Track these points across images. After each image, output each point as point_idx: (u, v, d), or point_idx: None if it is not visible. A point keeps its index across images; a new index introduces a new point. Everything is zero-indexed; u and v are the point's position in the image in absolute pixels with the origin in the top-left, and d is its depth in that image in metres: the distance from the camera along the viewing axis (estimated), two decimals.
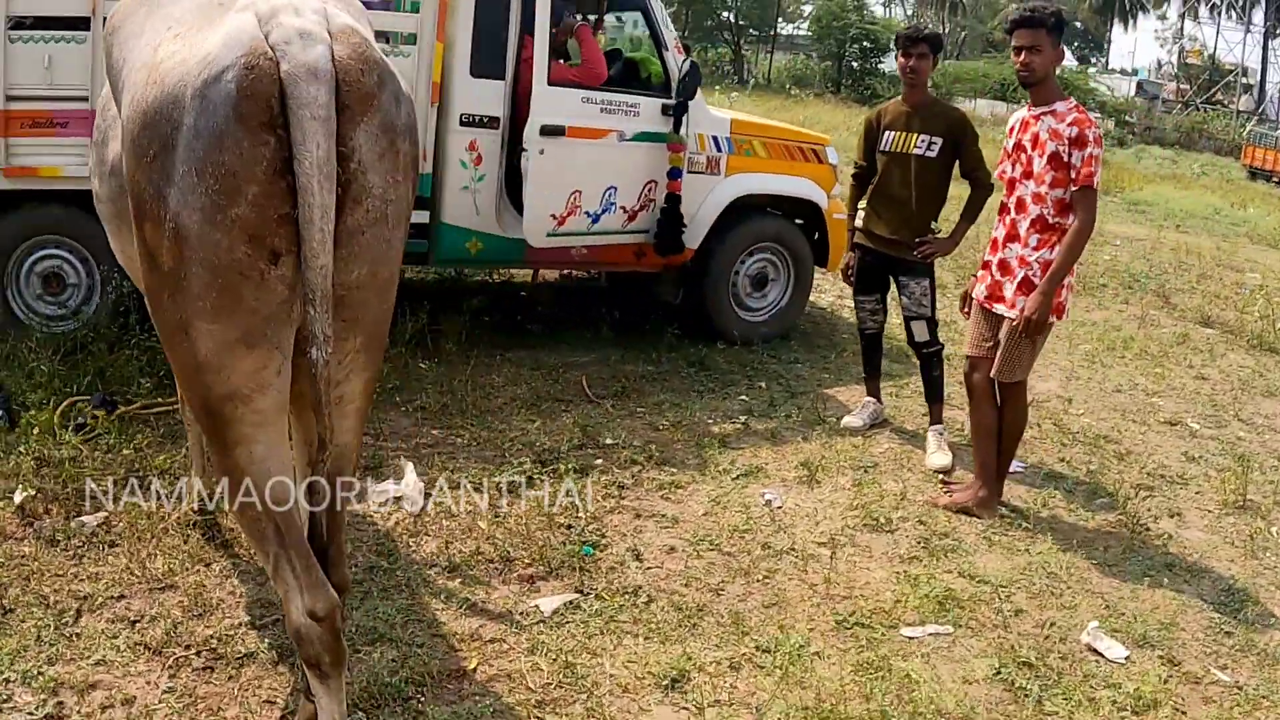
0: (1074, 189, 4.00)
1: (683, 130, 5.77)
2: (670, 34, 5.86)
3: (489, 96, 5.44)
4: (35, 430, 4.12)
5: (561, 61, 5.69)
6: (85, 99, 4.78)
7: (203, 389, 2.18)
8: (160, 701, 2.89)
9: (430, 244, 5.62)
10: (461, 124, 5.45)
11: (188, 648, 3.13)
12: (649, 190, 5.80)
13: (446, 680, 3.13)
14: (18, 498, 3.72)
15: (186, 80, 1.99)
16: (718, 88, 30.69)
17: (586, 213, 5.60)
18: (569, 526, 4.07)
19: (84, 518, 3.72)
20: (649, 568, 3.86)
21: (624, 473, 4.57)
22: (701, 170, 6.04)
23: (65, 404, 4.37)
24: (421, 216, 5.51)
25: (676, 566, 3.87)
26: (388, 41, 5.19)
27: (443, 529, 3.98)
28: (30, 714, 2.79)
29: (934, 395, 5.03)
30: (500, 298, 7.02)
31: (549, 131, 5.34)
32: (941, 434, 4.99)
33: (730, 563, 3.92)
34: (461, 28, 5.35)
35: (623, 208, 5.75)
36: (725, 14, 42.06)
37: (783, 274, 6.52)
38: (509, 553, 3.83)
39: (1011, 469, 4.73)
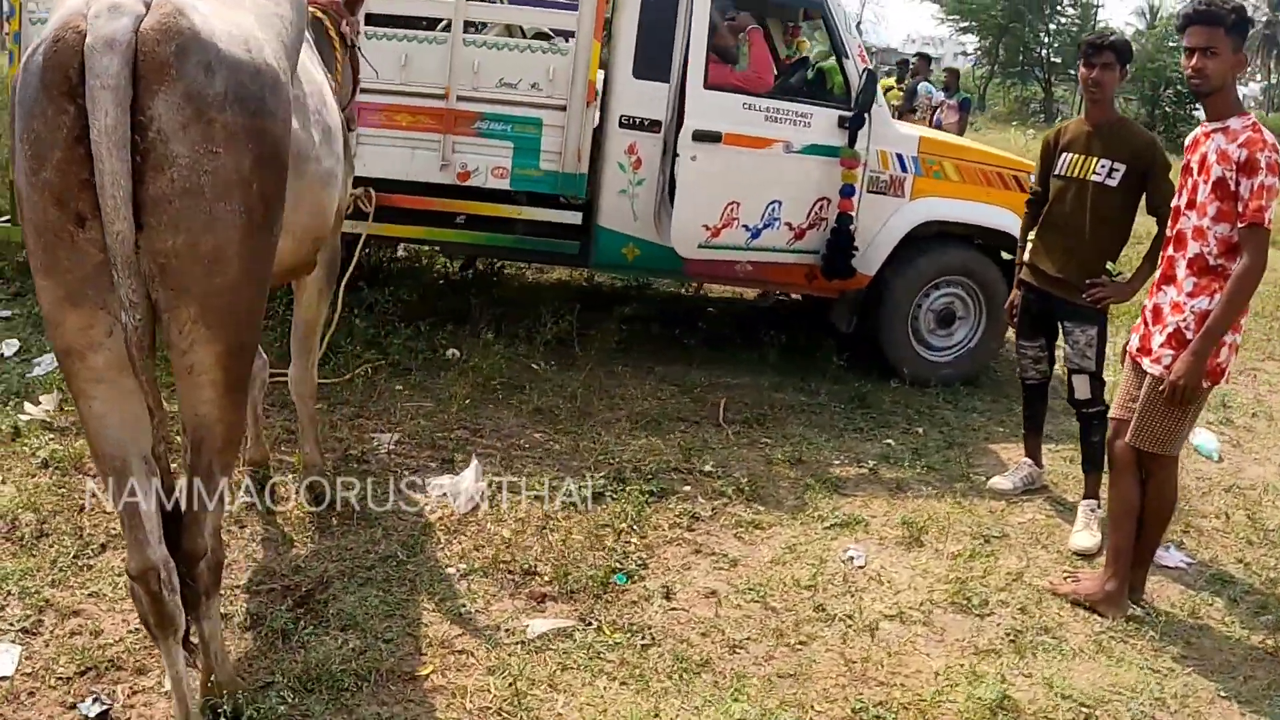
0: (1240, 225, 3.17)
1: (860, 145, 5.28)
2: (852, 40, 5.39)
3: (651, 99, 5.25)
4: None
5: (730, 66, 5.39)
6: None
7: (51, 340, 2.29)
8: (120, 640, 3.00)
9: (586, 247, 5.53)
10: (621, 126, 5.31)
11: None
12: (819, 207, 5.35)
13: (391, 681, 2.99)
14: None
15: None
16: (1014, 123, 28.60)
17: (745, 226, 5.26)
18: (614, 550, 3.79)
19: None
20: (673, 609, 3.49)
21: (706, 503, 4.21)
22: (882, 190, 5.49)
23: None
24: (575, 218, 5.44)
25: (705, 613, 3.47)
26: (547, 39, 5.19)
27: (481, 532, 3.83)
28: (9, 625, 3.01)
29: (1091, 464, 4.20)
30: (665, 308, 6.78)
31: (703, 137, 5.07)
32: (1094, 511, 4.16)
33: (769, 620, 3.46)
34: (626, 26, 5.22)
35: (788, 224, 5.35)
36: (1039, 50, 39.28)
37: (972, 312, 5.79)
38: (534, 566, 3.62)
39: (1172, 563, 3.86)
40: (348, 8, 3.92)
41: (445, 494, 4.03)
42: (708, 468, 4.52)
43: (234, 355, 2.33)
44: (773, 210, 5.28)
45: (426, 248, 6.45)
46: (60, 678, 2.86)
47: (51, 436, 4.13)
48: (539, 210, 5.44)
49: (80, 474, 3.87)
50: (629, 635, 3.30)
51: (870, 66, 5.33)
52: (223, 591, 3.22)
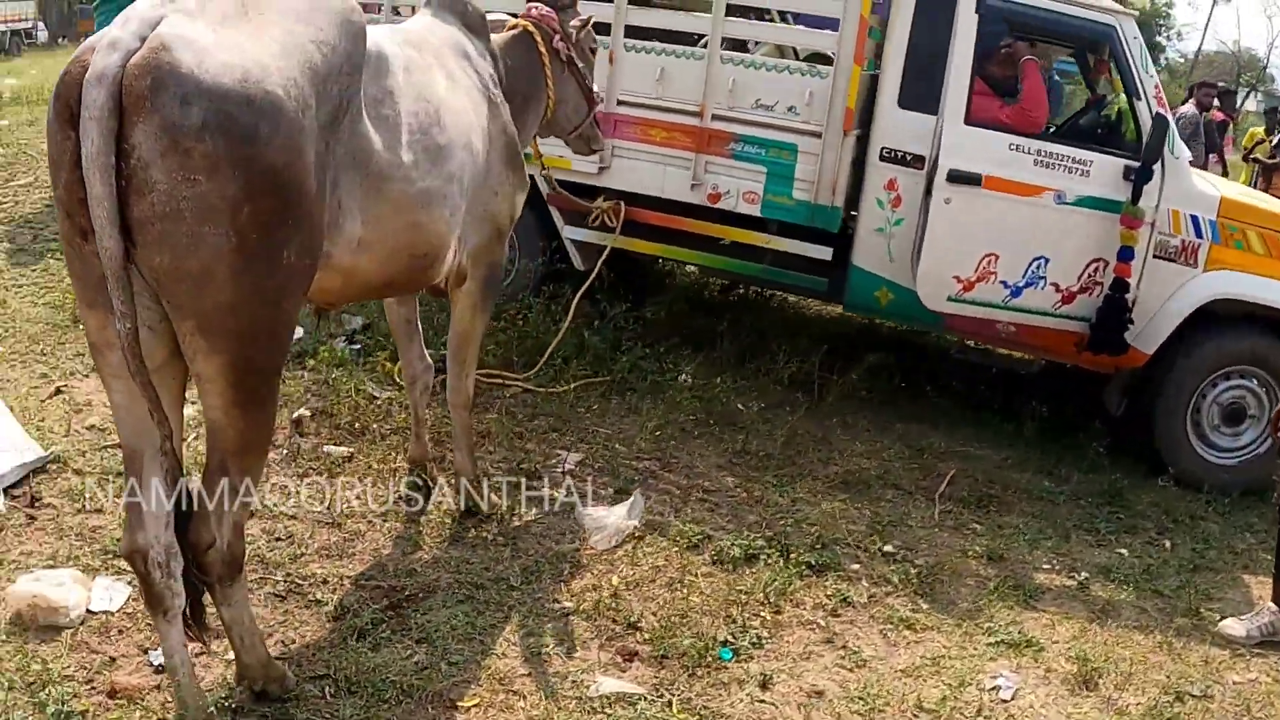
0: None
1: (1147, 202, 4.42)
2: (1149, 80, 4.49)
3: (916, 132, 4.75)
4: (379, 368, 4.77)
5: (1002, 101, 4.70)
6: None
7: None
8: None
9: (837, 285, 5.13)
10: (882, 159, 4.86)
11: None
12: (1093, 270, 4.57)
13: (431, 703, 2.96)
14: (298, 412, 4.35)
15: None
16: None
17: (1003, 282, 4.61)
18: (736, 621, 3.46)
19: (334, 447, 4.22)
20: (761, 701, 3.13)
21: (866, 588, 3.73)
22: (1170, 257, 4.60)
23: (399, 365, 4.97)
24: (825, 253, 5.06)
25: (793, 715, 3.07)
26: (802, 58, 4.84)
27: (609, 571, 3.67)
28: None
29: None
30: (920, 360, 6.06)
31: (960, 179, 4.51)
32: None
33: None
34: (894, 51, 4.75)
35: (1055, 285, 4.61)
36: None
37: (1267, 411, 4.68)
38: (641, 619, 3.41)
39: None
40: (564, 23, 3.88)
41: (589, 525, 3.91)
42: (889, 547, 4.01)
43: (240, 369, 2.40)
44: (1037, 267, 4.58)
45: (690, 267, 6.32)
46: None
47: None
48: (788, 241, 5.13)
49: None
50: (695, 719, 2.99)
51: (1164, 110, 4.42)
52: (310, 579, 3.41)
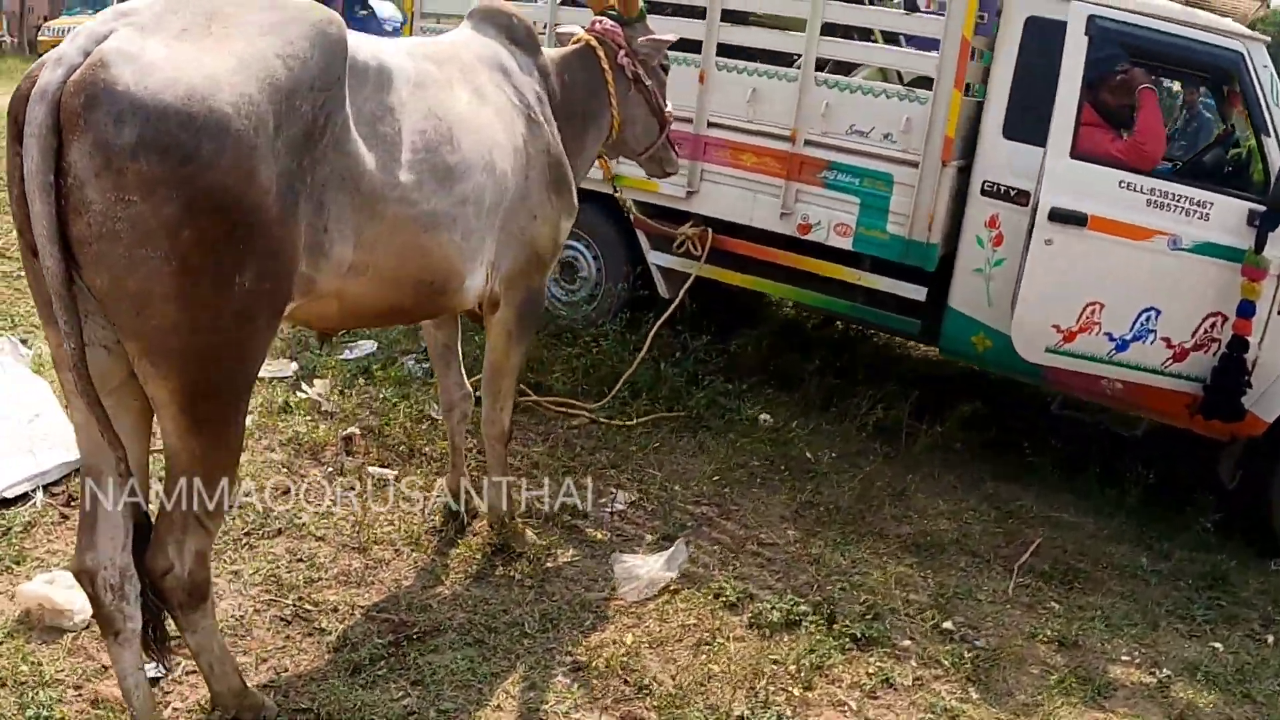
0: None
1: (1271, 251, 3.88)
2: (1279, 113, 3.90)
3: (1021, 165, 4.30)
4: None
5: (1116, 133, 4.18)
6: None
7: None
8: (230, 617, 3.16)
9: (931, 327, 4.73)
10: (983, 193, 4.44)
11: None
12: (1210, 325, 4.05)
13: None
14: (350, 430, 4.29)
15: None
16: None
17: (1108, 334, 4.13)
18: (758, 695, 3.16)
19: (378, 469, 4.13)
20: None
21: (914, 669, 3.37)
22: None
23: (473, 381, 4.85)
24: (919, 293, 4.67)
25: None
26: (907, 82, 4.46)
27: (634, 626, 3.43)
28: None
29: None
30: (1021, 413, 5.49)
31: (1063, 218, 4.07)
32: None
33: None
34: (1000, 74, 4.33)
35: (1165, 340, 4.10)
36: None
37: None
38: (653, 683, 3.16)
39: None
40: (630, 39, 3.69)
41: (620, 574, 3.68)
42: (949, 624, 3.62)
43: (190, 395, 2.31)
44: (1146, 320, 4.08)
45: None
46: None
47: (310, 417, 4.50)
48: (880, 279, 4.77)
49: (309, 457, 4.18)
50: None
51: None
52: (320, 605, 3.31)
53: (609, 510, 4.15)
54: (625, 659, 3.25)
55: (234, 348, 2.34)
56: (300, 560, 3.57)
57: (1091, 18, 4.05)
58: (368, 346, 5.27)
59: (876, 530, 4.19)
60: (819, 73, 4.65)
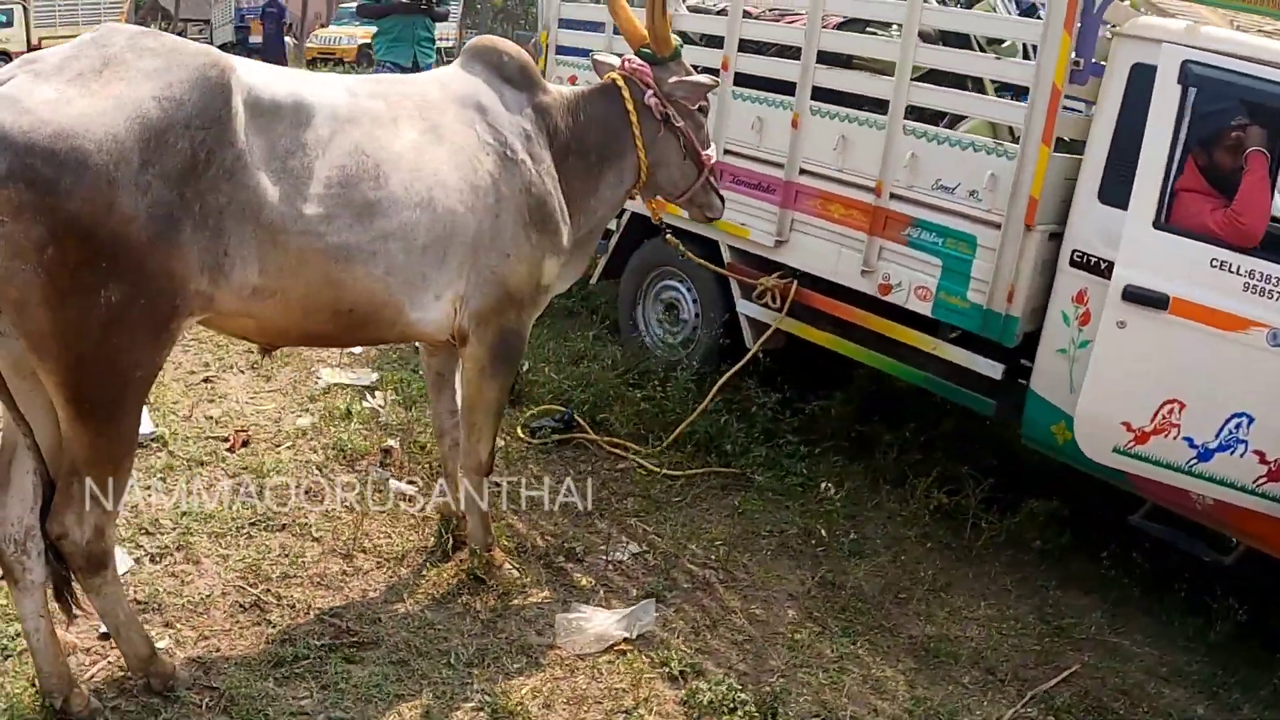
0: None
1: None
2: None
3: (1119, 234, 3.68)
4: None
5: (1214, 202, 3.46)
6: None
7: None
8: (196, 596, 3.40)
9: (1007, 409, 4.22)
10: (1072, 264, 3.89)
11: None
12: None
13: None
14: (389, 443, 4.44)
15: None
16: None
17: (1188, 439, 3.47)
18: None
19: (400, 484, 4.23)
20: None
21: None
22: None
23: (539, 410, 4.84)
24: (995, 370, 4.16)
25: None
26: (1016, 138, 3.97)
27: (561, 679, 3.30)
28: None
29: None
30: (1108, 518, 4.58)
31: (1139, 298, 3.48)
32: None
33: None
34: (1100, 132, 3.78)
35: (1259, 454, 3.40)
36: None
37: None
38: None
39: None
40: (660, 79, 3.58)
41: (562, 625, 3.52)
42: None
43: (72, 391, 2.54)
44: (1236, 427, 3.40)
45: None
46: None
47: (365, 426, 4.67)
48: (956, 350, 4.30)
49: (345, 463, 4.35)
50: None
51: None
52: (281, 600, 3.49)
53: (606, 558, 4.01)
54: (534, 710, 3.13)
55: (109, 353, 2.54)
56: (286, 556, 3.73)
57: (1187, 63, 3.45)
58: None
59: (889, 625, 3.77)
60: (908, 121, 4.29)
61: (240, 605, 3.48)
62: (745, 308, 5.03)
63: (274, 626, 3.38)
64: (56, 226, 2.34)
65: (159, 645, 3.21)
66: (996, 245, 4.00)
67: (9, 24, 25.21)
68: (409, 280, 3.09)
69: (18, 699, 2.87)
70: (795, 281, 4.78)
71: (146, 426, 4.30)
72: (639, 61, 3.61)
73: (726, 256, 5.10)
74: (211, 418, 4.57)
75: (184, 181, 2.52)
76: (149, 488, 4.03)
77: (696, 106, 3.72)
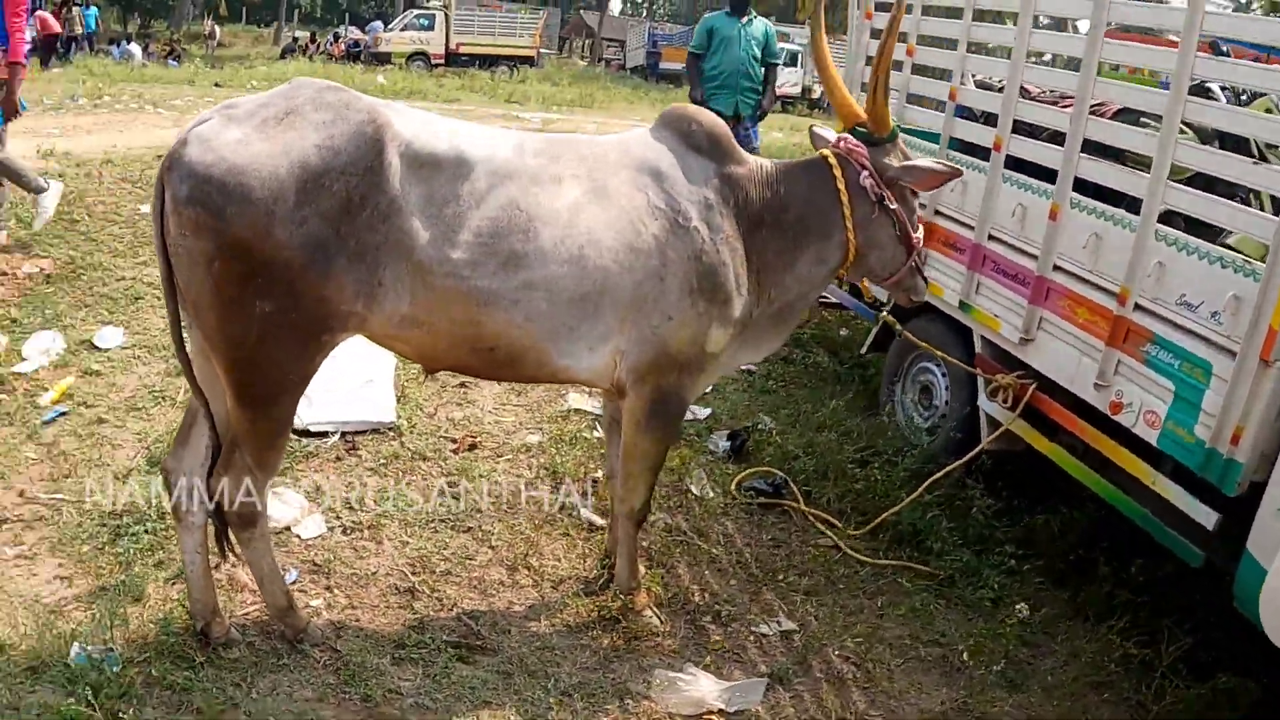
0: None
1: None
2: None
3: None
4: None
5: None
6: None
7: None
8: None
9: (1216, 565, 3.60)
10: None
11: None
12: None
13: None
14: (601, 473, 4.63)
15: None
16: None
17: None
18: None
19: (588, 512, 4.47)
20: None
21: None
22: None
23: (746, 473, 4.86)
24: (1209, 518, 3.54)
25: None
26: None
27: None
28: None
29: None
30: None
31: None
32: None
33: None
34: None
35: None
36: None
37: None
38: None
39: None
40: (877, 158, 3.55)
41: (661, 681, 3.54)
42: None
43: (234, 378, 3.06)
44: None
45: None
46: (306, 560, 3.99)
47: (581, 454, 4.94)
48: (1173, 488, 3.71)
49: (551, 481, 4.65)
50: None
51: None
52: (429, 591, 3.92)
53: (752, 628, 3.96)
54: None
55: (263, 356, 3.02)
56: (456, 556, 4.13)
57: None
58: (702, 412, 5.57)
59: None
60: (1160, 225, 3.77)
61: (396, 588, 3.92)
62: (986, 404, 4.68)
63: (415, 614, 3.79)
64: (222, 245, 2.84)
65: (314, 604, 3.75)
66: (1230, 377, 3.43)
67: (430, 28, 28.68)
68: (553, 329, 3.28)
69: (174, 616, 3.49)
70: (1035, 384, 4.39)
71: (389, 416, 4.95)
72: (855, 141, 3.57)
73: (978, 347, 4.79)
74: (452, 419, 5.12)
75: (339, 219, 2.91)
76: (373, 470, 4.64)
77: (911, 189, 3.62)
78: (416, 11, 30.66)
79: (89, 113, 12.66)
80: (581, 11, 30.37)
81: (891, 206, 3.53)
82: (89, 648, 3.29)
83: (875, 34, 5.68)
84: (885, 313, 4.16)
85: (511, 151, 3.27)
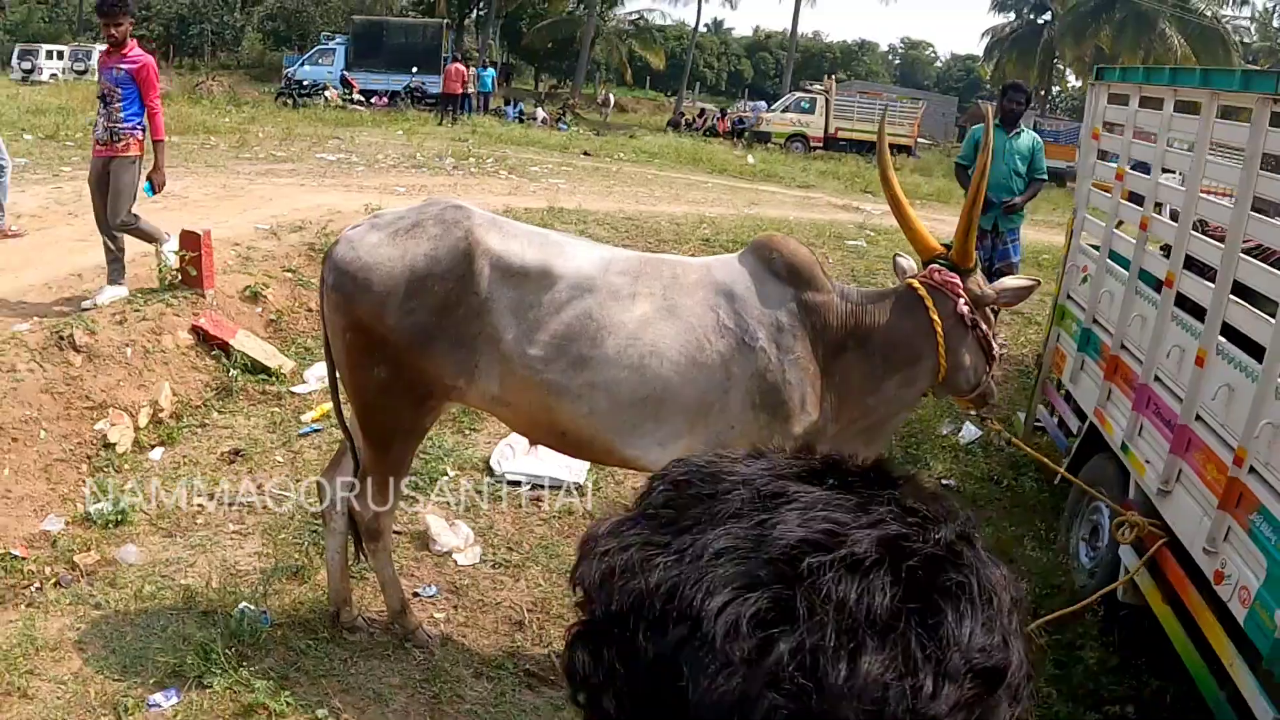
0: None
1: None
2: None
3: None
4: None
5: None
6: None
7: None
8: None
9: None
10: None
11: None
12: None
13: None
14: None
15: None
16: None
17: None
18: None
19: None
20: None
21: None
22: None
23: None
24: (1266, 712, 3.18)
25: None
26: None
27: None
28: None
29: None
30: None
31: None
32: None
33: None
34: None
35: None
36: None
37: None
38: None
39: None
40: (969, 286, 3.77)
41: None
42: None
43: (364, 424, 3.90)
44: None
45: None
46: (448, 584, 4.71)
47: None
48: (1245, 676, 3.34)
49: None
50: None
51: None
52: (539, 629, 4.47)
53: None
54: None
55: (380, 409, 3.81)
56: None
57: None
58: None
59: None
60: None
61: (510, 619, 4.51)
62: (1126, 552, 4.41)
63: (514, 643, 4.35)
64: (350, 322, 3.67)
65: (437, 616, 4.43)
66: None
67: (810, 111, 28.72)
68: (616, 425, 3.70)
69: (321, 602, 4.31)
70: (1165, 539, 4.10)
71: (579, 477, 5.56)
72: (950, 274, 3.76)
73: (1130, 493, 4.53)
74: (637, 489, 5.60)
75: (441, 313, 3.62)
76: (544, 521, 5.28)
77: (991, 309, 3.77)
78: (798, 95, 31.50)
79: (444, 174, 14.30)
80: (980, 101, 29.59)
81: (982, 328, 3.68)
82: (252, 608, 4.21)
83: (1102, 155, 5.53)
84: (992, 424, 4.11)
85: (596, 268, 3.70)
